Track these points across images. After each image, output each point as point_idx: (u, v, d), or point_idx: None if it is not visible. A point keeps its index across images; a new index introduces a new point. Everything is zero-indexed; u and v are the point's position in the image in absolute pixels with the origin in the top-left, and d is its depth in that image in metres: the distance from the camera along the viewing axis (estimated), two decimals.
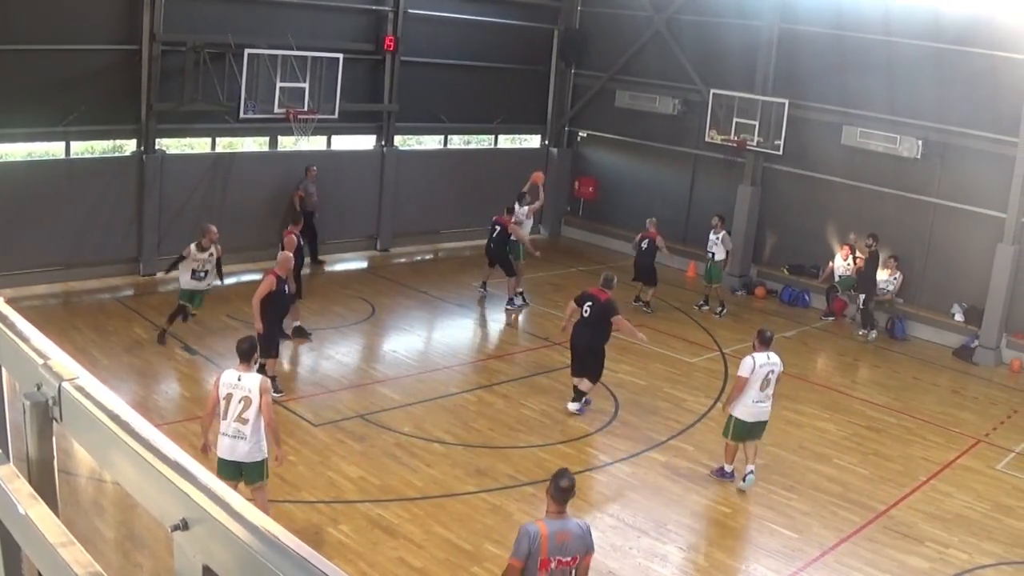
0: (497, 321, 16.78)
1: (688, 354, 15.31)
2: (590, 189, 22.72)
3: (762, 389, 10.30)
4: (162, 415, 11.15)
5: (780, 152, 18.84)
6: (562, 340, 13.12)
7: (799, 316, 18.29)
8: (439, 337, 15.84)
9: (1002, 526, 10.34)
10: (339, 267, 18.47)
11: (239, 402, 8.08)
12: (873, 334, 17.17)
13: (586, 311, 12.11)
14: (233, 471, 8.14)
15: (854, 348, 16.88)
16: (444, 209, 21.14)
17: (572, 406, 12.43)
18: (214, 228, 13.45)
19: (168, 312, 13.64)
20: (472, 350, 15.05)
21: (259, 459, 8.24)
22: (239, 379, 8.15)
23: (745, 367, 10.33)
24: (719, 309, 17.68)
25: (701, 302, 18.04)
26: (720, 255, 17.64)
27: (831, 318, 18.08)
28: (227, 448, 8.15)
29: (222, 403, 8.14)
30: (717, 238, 17.65)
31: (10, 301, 2.43)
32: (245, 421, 8.06)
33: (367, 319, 15.75)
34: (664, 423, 12.46)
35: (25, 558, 2.02)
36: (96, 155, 16.76)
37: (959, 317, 17.08)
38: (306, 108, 17.00)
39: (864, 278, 17.20)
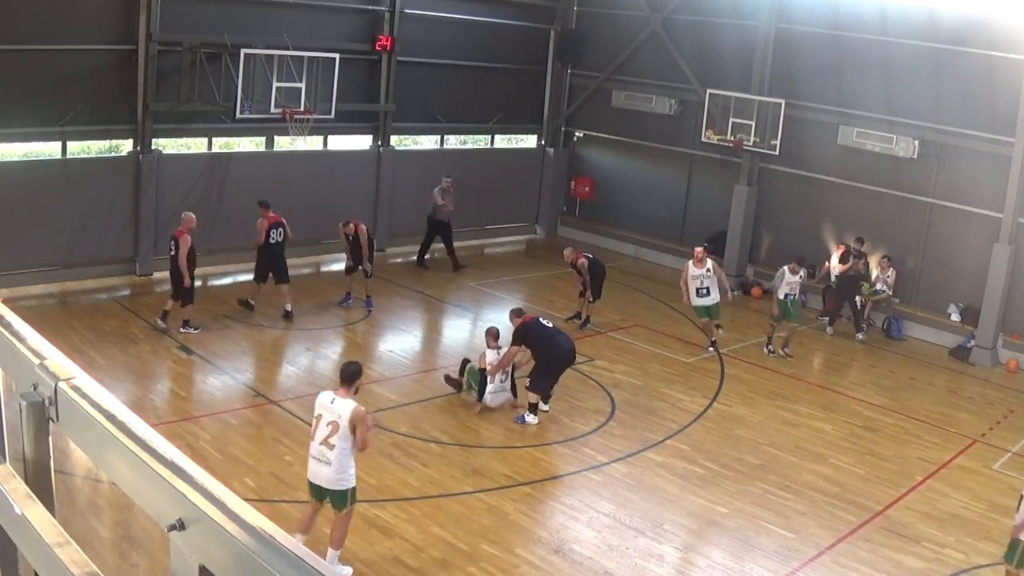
0: (493, 322, 16.74)
1: (685, 354, 15.31)
2: (586, 189, 22.73)
3: None
4: (159, 415, 11.14)
5: (776, 152, 18.85)
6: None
7: None
8: (435, 337, 15.84)
9: (999, 526, 10.34)
10: (335, 267, 18.45)
11: (327, 425, 7.90)
12: (830, 329, 17.48)
13: (552, 325, 12.41)
14: (316, 492, 8.12)
15: (851, 348, 16.89)
16: None
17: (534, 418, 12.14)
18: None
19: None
20: (468, 350, 15.04)
21: (342, 488, 8.00)
22: (332, 402, 7.97)
23: None
24: (786, 348, 15.75)
25: (770, 346, 15.85)
26: (794, 294, 15.59)
27: (827, 318, 18.05)
28: (312, 470, 8.08)
29: (314, 422, 8.05)
30: (797, 278, 15.53)
31: (7, 301, 2.43)
32: (331, 446, 7.88)
33: (364, 319, 15.75)
34: (661, 423, 12.46)
35: (21, 558, 2.02)
36: (92, 155, 16.75)
37: (955, 317, 17.10)
38: (302, 108, 16.99)
39: (854, 280, 17.33)
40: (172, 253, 13.89)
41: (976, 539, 9.98)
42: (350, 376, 8.10)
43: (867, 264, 17.61)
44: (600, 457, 11.32)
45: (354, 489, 8.11)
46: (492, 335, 12.48)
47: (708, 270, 15.11)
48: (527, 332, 12.07)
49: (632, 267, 20.73)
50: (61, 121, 15.47)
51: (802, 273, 15.76)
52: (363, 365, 8.45)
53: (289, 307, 15.23)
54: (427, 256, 19.36)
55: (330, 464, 7.90)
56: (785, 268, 15.54)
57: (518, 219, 23.07)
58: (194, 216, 14.11)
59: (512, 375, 12.42)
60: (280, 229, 15.22)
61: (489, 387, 12.16)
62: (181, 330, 13.95)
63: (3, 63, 14.57)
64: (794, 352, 15.75)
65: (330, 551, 8.17)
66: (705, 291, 15.12)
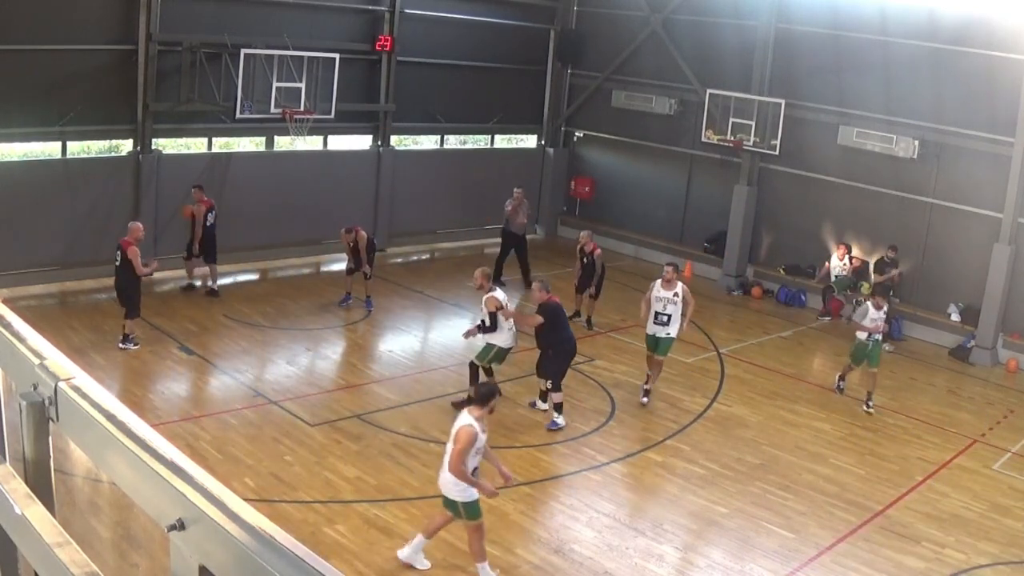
0: None
1: (684, 354, 15.28)
2: (586, 189, 22.73)
3: None
4: (158, 415, 11.14)
5: (776, 152, 18.85)
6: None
7: (795, 316, 18.31)
8: (435, 337, 15.83)
9: (999, 526, 10.36)
10: (336, 267, 18.46)
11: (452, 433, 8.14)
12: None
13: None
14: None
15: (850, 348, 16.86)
16: (441, 209, 21.15)
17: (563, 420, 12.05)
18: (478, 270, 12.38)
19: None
20: (468, 350, 15.02)
21: (450, 497, 8.18)
22: (458, 416, 8.22)
23: None
24: (841, 384, 14.10)
25: (841, 385, 14.13)
26: (878, 334, 13.48)
27: (827, 318, 18.10)
28: None
29: None
30: (881, 314, 13.36)
31: (7, 301, 2.43)
32: (446, 452, 8.15)
33: (364, 319, 15.75)
34: (661, 423, 12.46)
35: (21, 558, 2.02)
36: (92, 155, 16.75)
37: (955, 317, 17.10)
38: (302, 108, 16.99)
39: (888, 290, 16.49)
40: (117, 264, 13.05)
41: (976, 539, 9.98)
42: (478, 397, 8.26)
43: (902, 274, 17.23)
44: (600, 457, 11.32)
45: (467, 504, 8.17)
46: (485, 275, 12.26)
47: (676, 294, 12.85)
48: (552, 312, 12.00)
49: (632, 267, 20.72)
50: (61, 121, 15.46)
51: (886, 309, 13.49)
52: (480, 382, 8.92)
53: (215, 285, 16.20)
54: (528, 273, 18.43)
55: (442, 470, 8.18)
56: (868, 303, 13.44)
57: None
58: (141, 226, 13.44)
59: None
60: (213, 212, 15.95)
61: (505, 325, 11.95)
62: (120, 345, 13.15)
63: (3, 63, 14.56)
64: (874, 405, 13.52)
65: (476, 565, 8.37)
66: (665, 319, 12.85)
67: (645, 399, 13.06)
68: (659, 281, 12.99)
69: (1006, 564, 9.53)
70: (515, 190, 18.56)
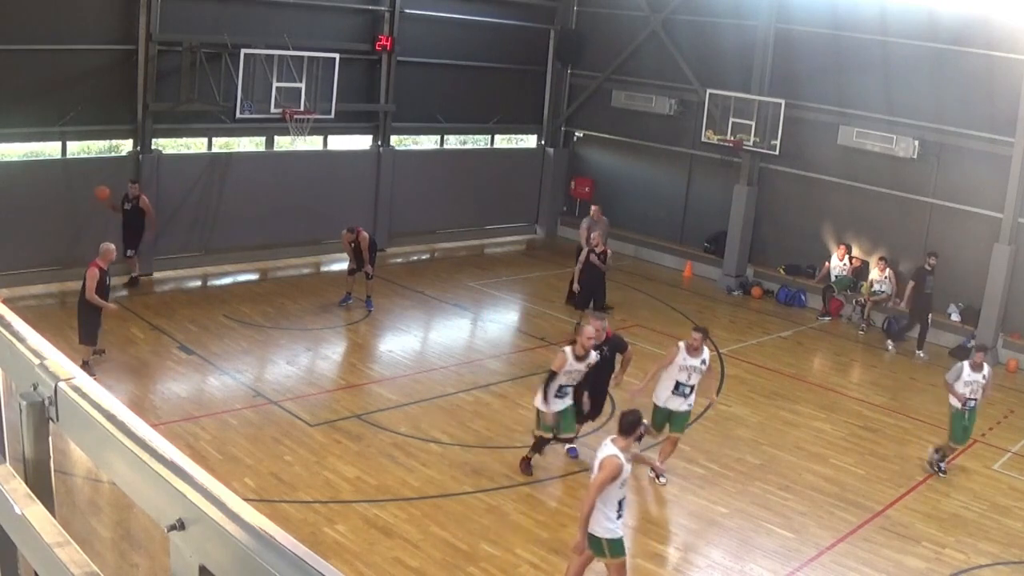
0: (494, 321, 16.77)
1: None
2: (586, 189, 22.71)
3: None
4: (158, 415, 11.14)
5: (776, 152, 18.85)
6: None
7: (795, 316, 18.30)
8: (435, 337, 15.83)
9: (999, 526, 10.36)
10: (336, 267, 18.47)
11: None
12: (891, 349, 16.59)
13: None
14: None
15: (850, 348, 16.89)
16: (440, 209, 21.15)
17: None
18: (592, 327, 10.48)
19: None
20: (468, 350, 15.04)
21: (594, 534, 7.61)
22: (601, 446, 7.78)
23: None
24: (941, 464, 11.63)
25: (940, 465, 11.61)
26: (975, 398, 11.47)
27: (827, 318, 18.10)
28: None
29: None
30: (980, 376, 11.42)
31: (6, 301, 2.43)
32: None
33: (364, 319, 15.75)
34: None
35: (21, 558, 2.02)
36: (92, 155, 16.75)
37: (956, 317, 17.09)
38: (302, 108, 17.00)
39: (928, 298, 16.26)
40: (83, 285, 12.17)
41: (976, 539, 9.99)
42: (624, 426, 7.71)
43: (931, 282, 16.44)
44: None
45: (611, 541, 7.65)
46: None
47: (703, 361, 10.67)
48: (624, 344, 11.36)
49: (632, 267, 20.73)
50: (61, 121, 15.47)
51: (987, 371, 11.49)
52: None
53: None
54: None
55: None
56: (965, 363, 11.52)
57: (518, 219, 23.07)
58: (113, 248, 12.56)
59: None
60: None
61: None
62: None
63: (3, 63, 14.56)
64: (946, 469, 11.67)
65: None
66: (688, 391, 10.62)
67: (663, 479, 10.81)
68: (683, 345, 10.69)
69: (1006, 564, 9.53)
70: (592, 207, 18.45)
